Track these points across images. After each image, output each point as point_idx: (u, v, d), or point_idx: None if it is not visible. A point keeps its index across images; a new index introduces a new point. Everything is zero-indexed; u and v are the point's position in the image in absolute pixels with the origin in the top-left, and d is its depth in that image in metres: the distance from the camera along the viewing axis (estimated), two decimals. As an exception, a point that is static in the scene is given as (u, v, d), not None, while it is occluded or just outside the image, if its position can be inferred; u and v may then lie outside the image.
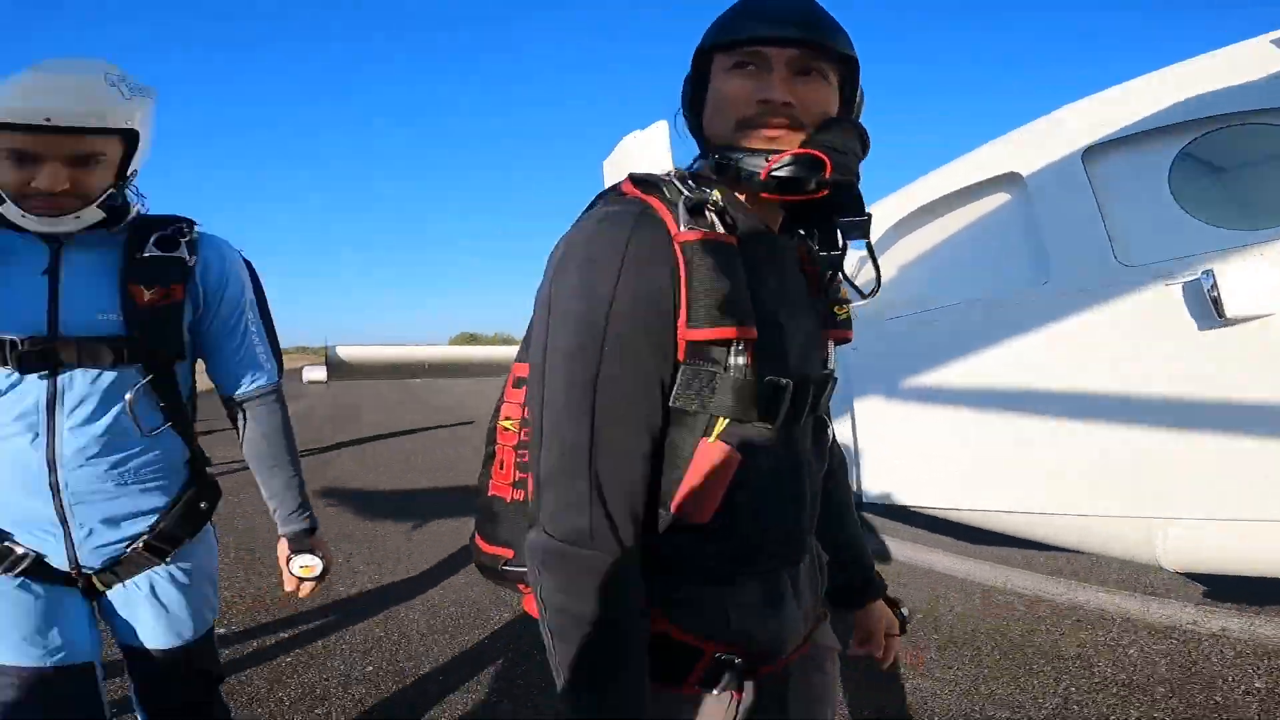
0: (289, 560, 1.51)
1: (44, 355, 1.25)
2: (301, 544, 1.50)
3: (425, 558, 4.19)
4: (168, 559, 1.40)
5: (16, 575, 1.30)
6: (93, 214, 1.26)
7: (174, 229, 1.38)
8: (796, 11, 0.84)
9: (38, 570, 1.32)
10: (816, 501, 0.96)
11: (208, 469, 1.49)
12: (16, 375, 1.24)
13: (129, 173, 1.31)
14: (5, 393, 1.25)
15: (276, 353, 1.55)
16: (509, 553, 0.93)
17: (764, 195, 0.86)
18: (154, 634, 1.40)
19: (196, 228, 1.41)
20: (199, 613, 1.45)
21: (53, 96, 1.18)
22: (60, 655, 1.32)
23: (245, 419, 1.49)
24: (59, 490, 1.28)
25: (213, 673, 1.53)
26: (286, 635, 3.06)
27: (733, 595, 0.87)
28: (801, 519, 0.92)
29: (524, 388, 0.87)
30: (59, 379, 1.26)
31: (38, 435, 1.26)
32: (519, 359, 0.93)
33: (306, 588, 1.53)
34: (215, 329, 1.43)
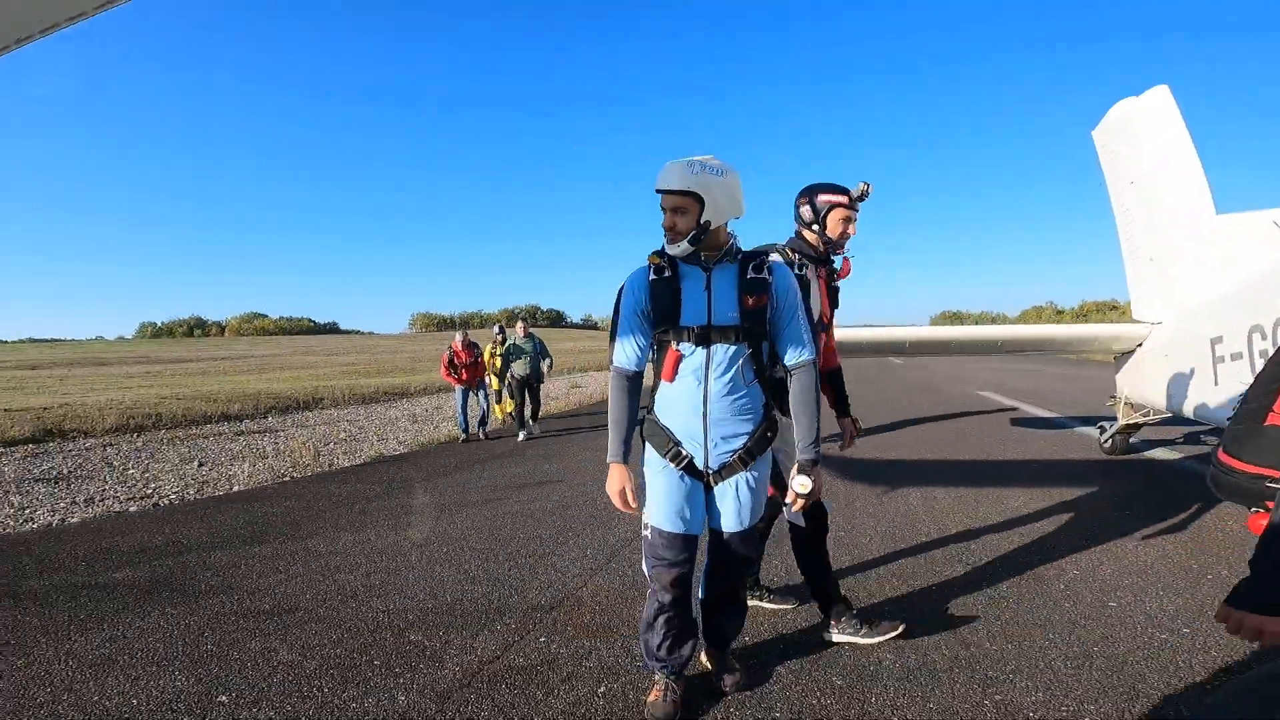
0: (793, 478, 2.30)
1: (704, 336, 2.19)
2: (805, 469, 2.28)
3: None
4: (749, 467, 2.28)
5: (680, 469, 2.26)
6: (683, 246, 2.16)
7: (760, 260, 2.26)
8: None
9: (688, 469, 2.27)
10: None
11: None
12: (692, 346, 2.19)
13: (703, 221, 2.14)
14: (688, 356, 2.21)
15: (815, 337, 2.47)
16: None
17: None
18: (729, 519, 2.30)
19: (771, 257, 2.30)
20: (758, 509, 2.33)
21: (667, 175, 2.15)
22: (687, 526, 2.27)
23: (792, 380, 2.31)
24: (706, 415, 2.23)
25: (751, 556, 2.46)
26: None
27: None
28: None
29: None
30: (710, 349, 2.20)
31: (699, 382, 2.21)
32: None
33: (800, 502, 2.31)
34: (779, 321, 2.26)
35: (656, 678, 2.41)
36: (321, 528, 4.98)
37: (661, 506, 2.26)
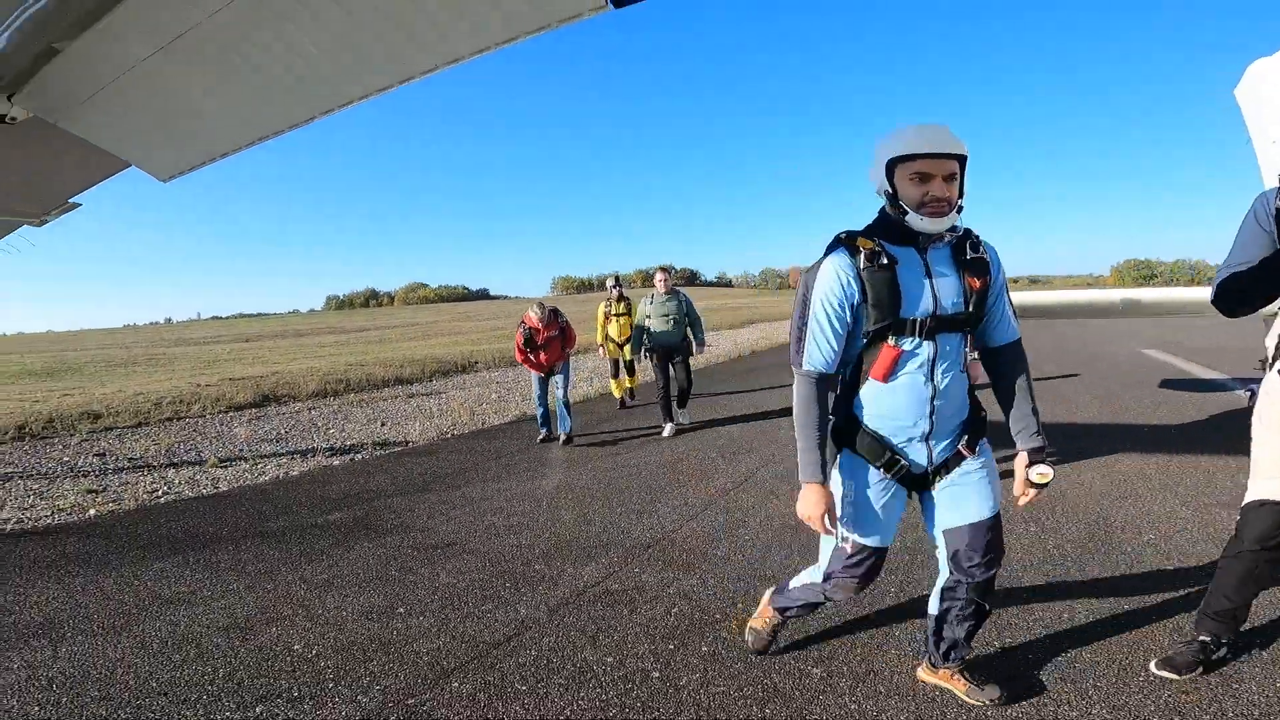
0: (1028, 468, 2.08)
1: (931, 328, 1.98)
2: (1039, 458, 2.09)
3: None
4: (976, 454, 2.13)
5: (893, 477, 2.11)
6: (953, 218, 1.96)
7: (974, 237, 2.08)
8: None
9: (900, 476, 2.12)
10: None
11: None
12: (916, 340, 1.99)
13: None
14: (911, 352, 2.00)
15: (1015, 315, 2.20)
16: None
17: None
18: (978, 508, 2.10)
19: (976, 233, 2.11)
20: (997, 491, 2.15)
21: (937, 136, 1.91)
22: (881, 539, 2.17)
23: (1002, 360, 2.16)
24: (934, 414, 2.04)
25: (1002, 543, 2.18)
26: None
27: None
28: None
29: None
30: (937, 341, 2.00)
31: (926, 379, 2.01)
32: None
33: (1032, 493, 2.09)
34: (994, 302, 2.10)
35: (773, 615, 2.68)
36: (475, 478, 6.01)
37: (871, 521, 2.15)
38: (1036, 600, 3.09)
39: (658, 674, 2.68)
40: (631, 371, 9.54)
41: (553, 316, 7.34)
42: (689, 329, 7.51)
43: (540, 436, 7.44)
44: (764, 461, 6.07)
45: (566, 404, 7.44)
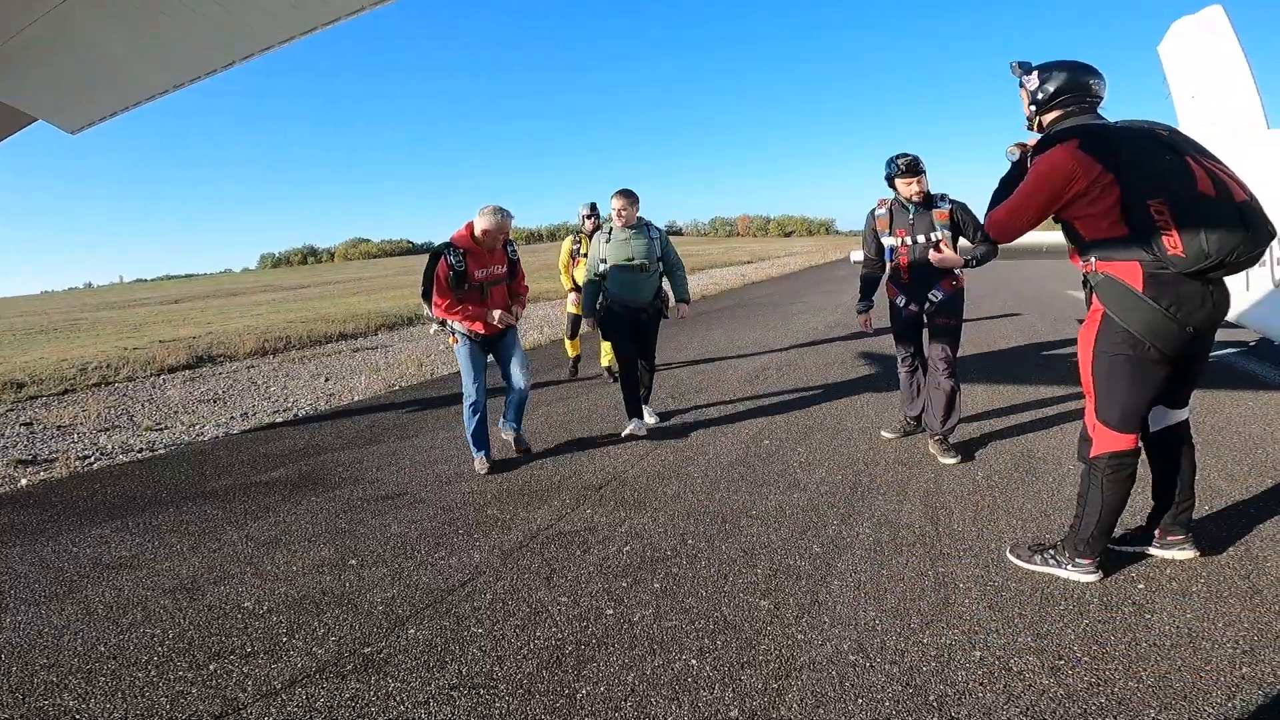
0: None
1: None
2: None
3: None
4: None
5: None
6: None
7: None
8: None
9: None
10: None
11: None
12: None
13: None
14: None
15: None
16: None
17: None
18: None
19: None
20: None
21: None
22: None
23: None
24: None
25: None
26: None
27: None
28: None
29: None
30: None
31: None
32: None
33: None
34: None
35: None
36: (424, 428, 5.96)
37: None
38: (969, 531, 3.27)
39: (611, 611, 2.76)
40: (574, 334, 7.59)
41: (500, 244, 4.49)
42: (664, 279, 5.26)
43: (481, 465, 4.61)
44: (711, 400, 6.21)
45: (523, 400, 4.83)
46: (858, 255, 7.43)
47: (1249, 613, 2.45)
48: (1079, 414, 4.75)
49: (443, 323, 4.65)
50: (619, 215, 5.03)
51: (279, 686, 2.40)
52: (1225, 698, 2.05)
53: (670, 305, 5.32)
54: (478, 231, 4.39)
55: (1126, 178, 2.41)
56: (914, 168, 4.21)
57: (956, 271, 4.29)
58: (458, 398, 7.03)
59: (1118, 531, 2.85)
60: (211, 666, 2.55)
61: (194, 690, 2.42)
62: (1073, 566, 2.74)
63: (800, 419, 5.39)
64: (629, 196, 5.05)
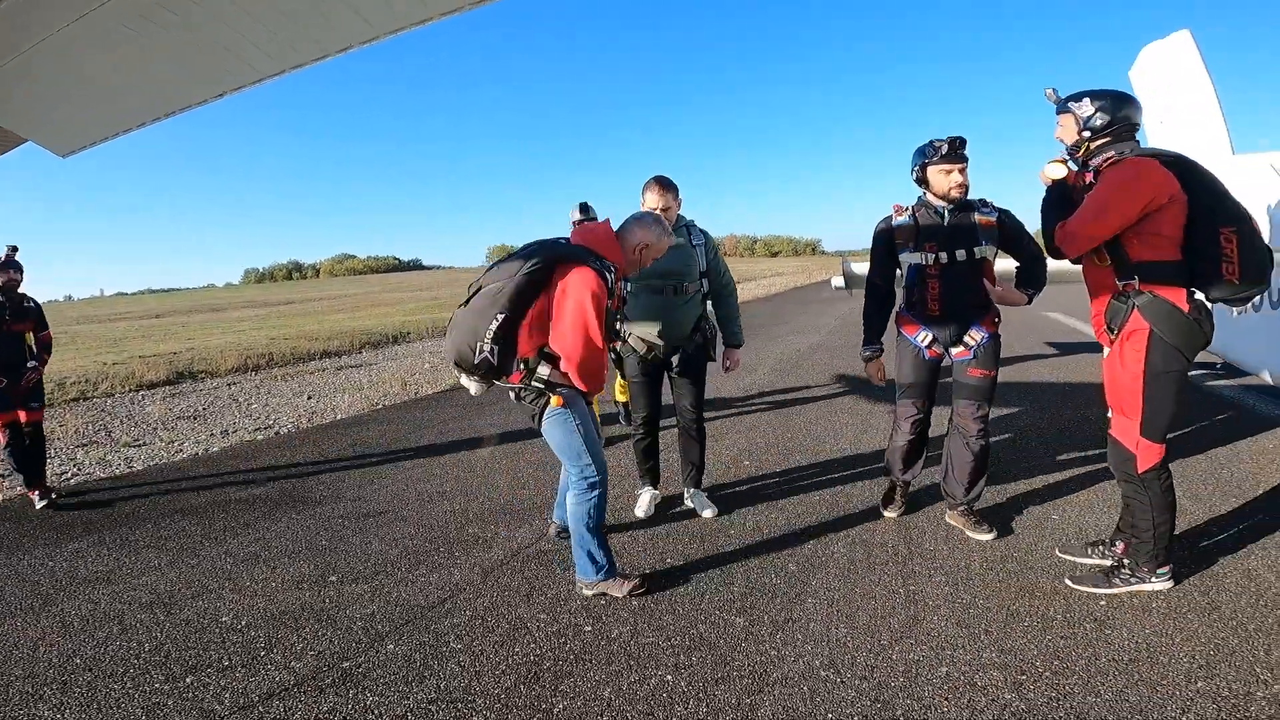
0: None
1: None
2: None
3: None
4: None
5: None
6: None
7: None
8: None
9: None
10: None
11: None
12: None
13: None
14: None
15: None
16: None
17: None
18: None
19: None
20: None
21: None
22: None
23: None
24: None
25: None
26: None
27: None
28: None
29: None
30: None
31: None
32: None
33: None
34: None
35: None
36: (408, 447, 5.96)
37: None
38: (940, 550, 3.35)
39: (589, 628, 2.79)
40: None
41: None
42: (709, 305, 3.87)
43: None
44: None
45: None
46: (839, 281, 7.50)
47: (1207, 629, 2.54)
48: (1044, 430, 4.87)
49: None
50: (660, 201, 3.57)
51: (256, 699, 2.41)
52: (1180, 712, 2.12)
53: (715, 345, 3.87)
54: (638, 246, 2.99)
55: (1199, 201, 2.58)
56: (959, 150, 3.17)
57: (995, 304, 3.35)
58: (442, 417, 7.09)
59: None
60: (188, 679, 2.55)
61: (170, 702, 2.42)
62: (1155, 578, 2.81)
63: (782, 441, 5.46)
64: (671, 189, 3.62)
